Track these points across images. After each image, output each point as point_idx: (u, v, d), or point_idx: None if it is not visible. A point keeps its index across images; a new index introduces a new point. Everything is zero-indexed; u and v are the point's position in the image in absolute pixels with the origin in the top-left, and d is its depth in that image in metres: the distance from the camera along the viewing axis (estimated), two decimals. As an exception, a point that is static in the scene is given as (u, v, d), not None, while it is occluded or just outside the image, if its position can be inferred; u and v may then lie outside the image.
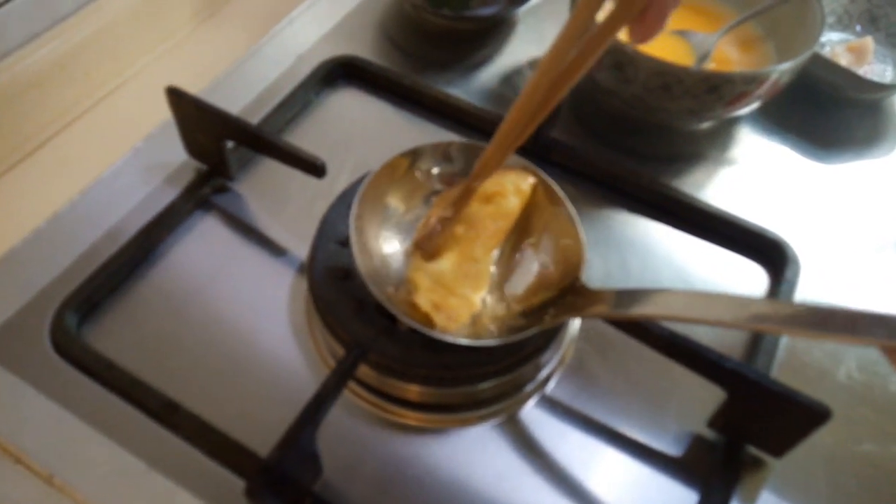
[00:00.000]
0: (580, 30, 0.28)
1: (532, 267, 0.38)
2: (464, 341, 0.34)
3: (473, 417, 0.38)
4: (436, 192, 0.41)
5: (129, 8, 0.53)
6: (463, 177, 0.40)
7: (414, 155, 0.40)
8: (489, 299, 0.37)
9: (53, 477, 0.35)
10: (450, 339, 0.34)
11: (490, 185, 0.38)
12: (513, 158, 0.38)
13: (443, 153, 0.41)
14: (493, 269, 0.38)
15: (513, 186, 0.39)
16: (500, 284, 0.38)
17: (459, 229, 0.38)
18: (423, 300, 0.36)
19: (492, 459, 0.37)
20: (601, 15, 0.29)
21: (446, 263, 0.37)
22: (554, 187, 0.39)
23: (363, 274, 0.35)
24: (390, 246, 0.39)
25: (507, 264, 0.38)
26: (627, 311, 0.32)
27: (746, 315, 0.27)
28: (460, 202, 0.38)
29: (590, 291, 0.35)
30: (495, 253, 0.38)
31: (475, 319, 0.36)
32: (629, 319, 0.36)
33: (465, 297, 0.36)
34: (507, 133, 0.33)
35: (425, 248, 0.38)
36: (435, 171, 0.41)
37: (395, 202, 0.40)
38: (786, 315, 0.26)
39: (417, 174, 0.41)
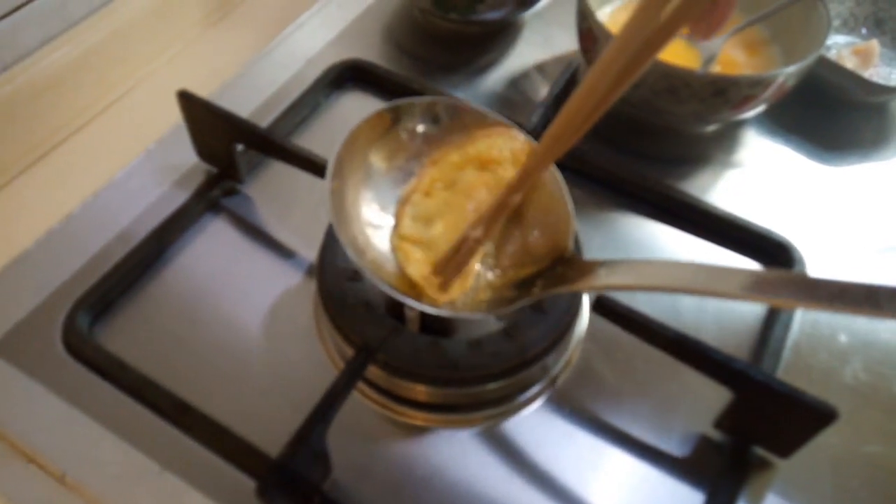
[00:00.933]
0: (644, 25, 0.27)
1: (522, 238, 0.36)
2: (445, 313, 0.33)
3: (481, 418, 0.39)
4: (420, 153, 0.38)
5: (140, 12, 0.54)
6: (448, 136, 0.38)
7: (396, 112, 0.37)
8: (482, 273, 0.36)
9: (66, 476, 0.35)
10: (432, 310, 0.33)
11: (485, 150, 0.37)
12: (494, 116, 0.37)
13: (428, 111, 0.38)
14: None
15: (510, 153, 0.37)
16: (492, 256, 0.36)
17: (452, 198, 0.36)
18: (414, 270, 0.34)
19: (499, 460, 0.37)
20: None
21: (438, 235, 0.36)
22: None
23: (342, 241, 0.33)
24: (371, 210, 0.37)
25: (501, 236, 0.36)
26: (616, 282, 0.30)
27: (755, 286, 0.26)
28: (493, 219, 0.35)
29: (579, 263, 0.33)
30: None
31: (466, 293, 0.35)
32: (621, 289, 0.35)
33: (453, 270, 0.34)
34: (558, 136, 0.31)
35: (447, 275, 0.35)
36: (420, 129, 0.38)
37: (377, 162, 0.38)
38: (796, 286, 0.25)
39: (402, 133, 0.38)
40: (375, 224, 0.37)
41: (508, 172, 0.37)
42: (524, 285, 0.34)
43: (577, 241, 0.40)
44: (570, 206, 0.35)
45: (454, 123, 0.38)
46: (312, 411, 0.32)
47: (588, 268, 0.32)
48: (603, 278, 0.31)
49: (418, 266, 0.35)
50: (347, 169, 0.36)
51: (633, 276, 0.30)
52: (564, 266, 0.34)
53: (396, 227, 0.36)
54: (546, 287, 0.33)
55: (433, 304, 0.33)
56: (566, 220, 0.35)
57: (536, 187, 0.36)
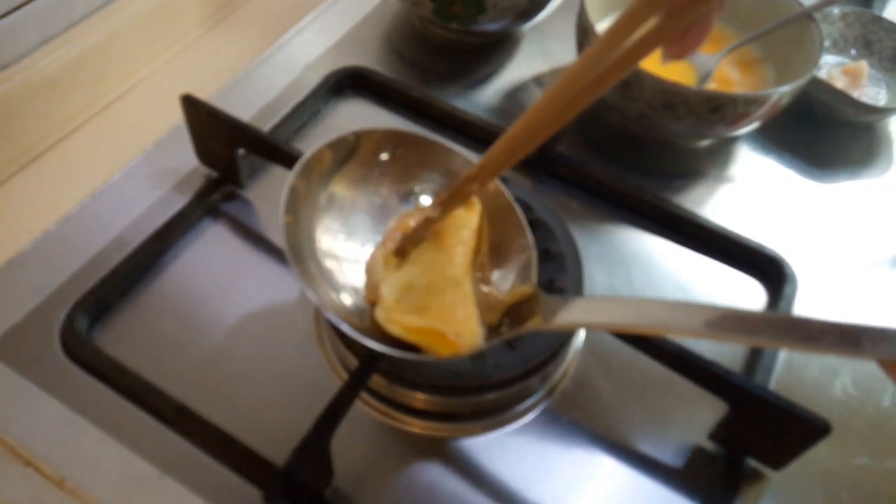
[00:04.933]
0: (616, 41, 0.27)
1: (491, 278, 0.36)
2: (419, 357, 0.32)
3: (479, 427, 0.39)
4: (389, 185, 0.38)
5: (140, 13, 0.54)
6: (412, 166, 0.38)
7: (360, 139, 0.36)
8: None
9: (64, 480, 0.35)
10: (413, 357, 0.32)
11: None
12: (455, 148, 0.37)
13: (396, 142, 0.38)
14: (470, 286, 0.35)
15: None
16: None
17: (423, 255, 0.36)
18: (431, 321, 0.33)
19: (496, 469, 0.38)
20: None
21: (425, 295, 0.34)
22: (501, 188, 0.37)
23: (303, 284, 0.32)
24: (336, 240, 0.36)
25: (482, 278, 0.36)
26: (577, 321, 0.31)
27: (728, 324, 0.25)
28: (449, 203, 0.35)
29: (543, 300, 0.33)
30: (470, 272, 0.36)
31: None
32: (583, 327, 0.36)
33: (465, 322, 0.34)
34: (518, 137, 0.31)
35: (403, 248, 0.36)
36: (384, 157, 0.38)
37: (339, 191, 0.36)
38: (773, 325, 0.25)
39: (363, 161, 0.37)
40: (340, 255, 0.36)
41: (464, 216, 0.36)
42: (495, 325, 0.34)
43: (578, 258, 0.40)
44: (532, 241, 0.35)
45: (420, 154, 0.38)
46: (317, 420, 0.32)
47: (551, 305, 0.32)
48: (564, 317, 0.31)
49: (432, 320, 0.33)
50: (303, 200, 0.34)
51: (595, 314, 0.30)
52: (529, 304, 0.33)
53: (380, 304, 0.35)
54: (512, 326, 0.33)
55: (455, 348, 0.32)
56: (529, 257, 0.35)
57: (502, 225, 0.37)
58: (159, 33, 0.56)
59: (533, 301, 0.33)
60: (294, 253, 0.33)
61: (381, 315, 0.34)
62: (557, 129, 0.30)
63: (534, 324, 0.32)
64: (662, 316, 0.27)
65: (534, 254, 0.35)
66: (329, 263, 0.35)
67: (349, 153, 0.37)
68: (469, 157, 0.38)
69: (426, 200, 0.39)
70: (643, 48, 0.26)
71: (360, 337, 0.32)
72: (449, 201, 0.35)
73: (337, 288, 0.35)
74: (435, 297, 0.34)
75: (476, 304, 0.34)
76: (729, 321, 0.25)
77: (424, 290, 0.34)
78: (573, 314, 0.31)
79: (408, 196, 0.39)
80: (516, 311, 0.34)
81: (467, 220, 0.36)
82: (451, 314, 0.33)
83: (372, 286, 0.36)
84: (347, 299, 0.35)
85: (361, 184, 0.38)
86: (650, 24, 0.26)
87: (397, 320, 0.33)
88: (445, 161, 0.38)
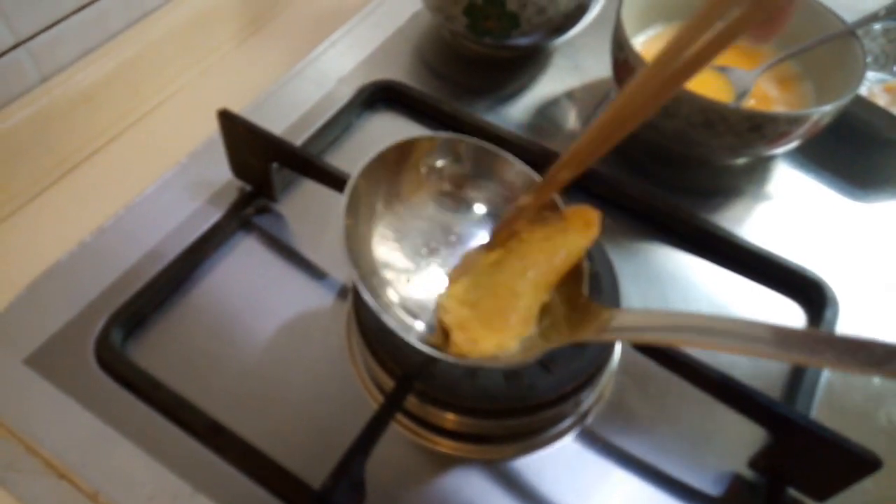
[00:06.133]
0: (701, 30, 0.26)
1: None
2: (450, 359, 0.32)
3: (511, 450, 0.38)
4: (444, 193, 0.38)
5: (175, 26, 0.54)
6: (472, 179, 0.38)
7: (417, 145, 0.36)
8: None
9: (98, 494, 0.35)
10: (453, 359, 0.32)
11: (553, 216, 0.35)
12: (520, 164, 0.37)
13: (451, 149, 0.37)
14: (532, 301, 0.35)
15: (581, 221, 0.35)
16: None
17: (505, 259, 0.36)
18: (449, 317, 0.34)
19: (529, 493, 0.37)
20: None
21: (480, 292, 0.35)
22: (555, 198, 0.36)
23: (359, 285, 0.32)
24: (390, 250, 0.36)
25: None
26: (626, 334, 0.30)
27: (795, 343, 0.25)
28: (542, 192, 0.34)
29: (593, 309, 0.32)
30: (543, 295, 0.34)
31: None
32: (630, 340, 0.35)
33: (498, 332, 0.33)
34: (604, 128, 0.31)
35: (496, 237, 0.36)
36: (439, 164, 0.37)
37: (394, 198, 0.37)
38: (840, 347, 0.24)
39: (422, 169, 0.37)
40: (393, 260, 0.36)
41: (571, 240, 0.35)
42: (544, 333, 0.34)
43: (614, 277, 0.40)
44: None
45: (476, 164, 0.38)
46: (353, 443, 0.32)
47: (601, 316, 0.31)
48: (613, 329, 0.30)
49: (453, 313, 0.34)
50: (363, 204, 0.35)
51: (645, 326, 0.29)
52: (580, 312, 0.33)
53: (447, 289, 0.36)
54: (563, 334, 0.33)
55: (460, 353, 0.33)
56: (580, 265, 0.35)
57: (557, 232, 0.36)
58: (193, 46, 0.57)
59: (583, 310, 0.33)
60: (353, 256, 0.33)
61: (441, 298, 0.35)
62: (639, 123, 0.29)
63: (585, 334, 0.31)
64: (727, 333, 0.26)
65: (586, 263, 0.34)
66: (383, 267, 0.36)
67: (407, 158, 0.37)
68: (522, 168, 0.37)
69: (480, 209, 0.39)
70: (731, 33, 0.25)
71: (415, 342, 0.32)
72: (543, 189, 0.34)
73: (389, 292, 0.35)
74: (489, 299, 0.34)
75: (531, 321, 0.34)
76: (798, 340, 0.25)
77: (486, 288, 0.35)
78: (628, 326, 0.30)
79: (462, 204, 0.39)
80: (567, 320, 0.33)
81: (569, 242, 0.35)
82: (490, 319, 0.34)
83: (457, 270, 0.36)
84: (396, 299, 0.35)
85: (417, 189, 0.38)
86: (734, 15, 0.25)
87: (444, 304, 0.35)
88: (502, 170, 0.38)
